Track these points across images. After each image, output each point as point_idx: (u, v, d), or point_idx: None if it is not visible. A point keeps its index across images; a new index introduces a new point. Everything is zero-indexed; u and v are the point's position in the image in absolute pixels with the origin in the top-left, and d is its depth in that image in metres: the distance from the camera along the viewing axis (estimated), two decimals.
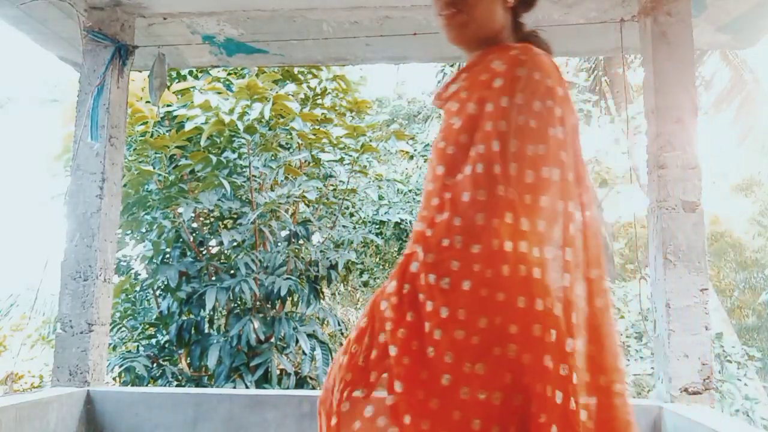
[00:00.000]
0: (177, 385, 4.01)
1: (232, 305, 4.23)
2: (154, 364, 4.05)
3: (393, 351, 0.92)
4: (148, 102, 3.82)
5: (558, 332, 0.88)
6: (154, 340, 4.31)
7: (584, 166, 1.03)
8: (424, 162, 7.77)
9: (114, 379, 4.16)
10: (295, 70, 4.70)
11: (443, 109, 1.12)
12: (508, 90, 0.96)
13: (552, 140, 0.96)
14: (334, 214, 4.86)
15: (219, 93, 3.98)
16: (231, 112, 3.77)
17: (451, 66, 9.52)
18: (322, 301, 4.67)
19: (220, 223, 4.53)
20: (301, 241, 4.46)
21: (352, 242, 4.77)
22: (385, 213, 6.23)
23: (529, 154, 0.94)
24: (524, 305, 0.88)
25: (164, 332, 4.22)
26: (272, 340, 4.02)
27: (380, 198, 6.29)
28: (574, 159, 1.00)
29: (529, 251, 0.90)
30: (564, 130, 0.98)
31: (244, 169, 4.28)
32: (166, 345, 4.17)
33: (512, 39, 1.12)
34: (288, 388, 3.94)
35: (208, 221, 4.57)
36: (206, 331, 4.19)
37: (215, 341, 3.87)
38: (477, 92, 1.00)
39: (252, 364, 3.86)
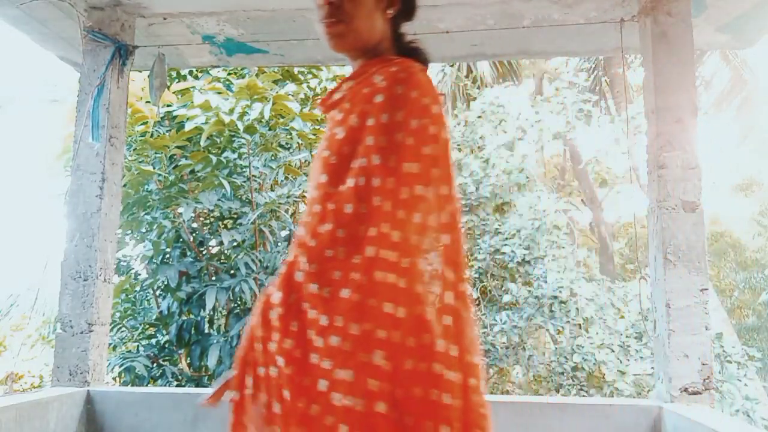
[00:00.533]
0: (177, 385, 4.01)
1: (232, 305, 4.23)
2: (154, 364, 4.05)
3: (280, 361, 0.96)
4: (148, 102, 3.82)
5: (431, 335, 0.93)
6: (154, 340, 4.30)
7: (454, 180, 1.08)
8: None
9: (114, 379, 4.15)
10: (295, 70, 4.70)
11: (327, 117, 1.17)
12: (387, 107, 1.02)
13: (426, 158, 1.01)
14: None
15: (219, 93, 3.97)
16: (231, 112, 3.76)
17: (451, 66, 9.52)
18: None
19: (220, 223, 4.53)
20: None
21: None
22: None
23: (405, 170, 0.99)
24: (391, 311, 0.92)
25: (164, 332, 4.22)
26: None
27: None
28: (446, 174, 1.05)
29: (399, 261, 0.94)
30: (437, 147, 1.03)
31: (244, 169, 4.28)
32: (166, 345, 4.17)
33: (393, 49, 1.16)
34: None
35: (208, 221, 4.57)
36: (206, 331, 4.19)
37: (215, 341, 3.87)
38: (359, 105, 1.05)
39: None
